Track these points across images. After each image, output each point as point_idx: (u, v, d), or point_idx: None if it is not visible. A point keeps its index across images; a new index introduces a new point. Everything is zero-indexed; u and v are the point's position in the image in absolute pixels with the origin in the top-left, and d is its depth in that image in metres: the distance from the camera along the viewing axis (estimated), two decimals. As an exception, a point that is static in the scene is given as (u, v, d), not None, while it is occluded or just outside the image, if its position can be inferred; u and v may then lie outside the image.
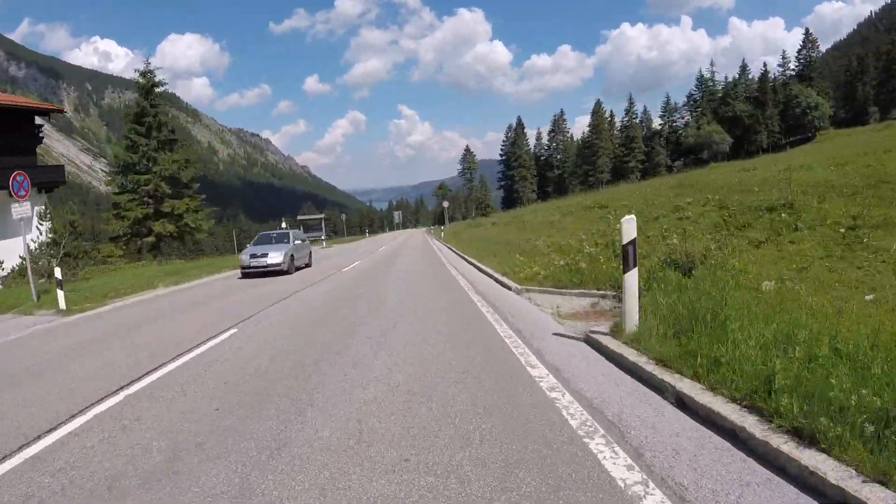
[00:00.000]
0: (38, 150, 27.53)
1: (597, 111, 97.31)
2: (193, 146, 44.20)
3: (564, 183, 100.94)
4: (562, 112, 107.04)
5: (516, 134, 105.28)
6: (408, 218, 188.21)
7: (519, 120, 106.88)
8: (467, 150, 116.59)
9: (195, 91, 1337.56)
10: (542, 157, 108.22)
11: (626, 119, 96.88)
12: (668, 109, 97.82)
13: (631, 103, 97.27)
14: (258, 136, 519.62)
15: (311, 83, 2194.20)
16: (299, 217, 64.10)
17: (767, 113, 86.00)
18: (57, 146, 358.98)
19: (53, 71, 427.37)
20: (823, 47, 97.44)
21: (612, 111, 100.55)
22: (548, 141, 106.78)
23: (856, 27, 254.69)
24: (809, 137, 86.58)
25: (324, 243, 48.14)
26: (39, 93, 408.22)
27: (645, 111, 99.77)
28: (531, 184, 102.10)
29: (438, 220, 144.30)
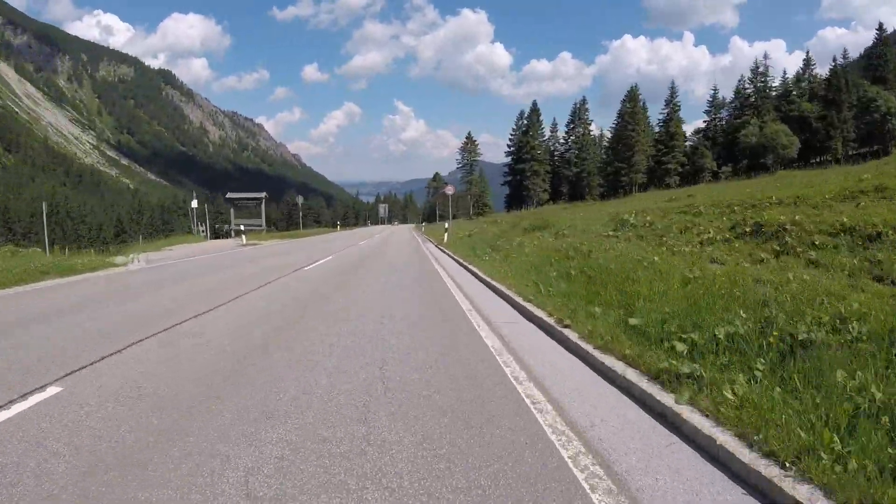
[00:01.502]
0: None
1: (632, 97, 76.85)
2: None
3: (582, 183, 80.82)
4: (584, 101, 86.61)
5: (530, 121, 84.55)
6: (395, 213, 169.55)
7: (534, 105, 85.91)
8: (469, 138, 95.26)
9: (194, 71, 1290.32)
10: (557, 154, 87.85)
11: (667, 112, 76.70)
12: (714, 105, 78.11)
13: (673, 93, 77.13)
14: (251, 120, 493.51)
15: (310, 71, 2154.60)
16: (229, 195, 43.28)
17: (842, 116, 67.04)
18: (46, 115, 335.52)
19: (49, 39, 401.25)
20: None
21: (644, 102, 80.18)
22: (565, 134, 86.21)
23: (862, 53, 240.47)
24: (881, 151, 68.15)
25: (243, 238, 27.57)
26: (34, 60, 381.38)
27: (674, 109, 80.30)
28: (544, 181, 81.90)
29: (429, 216, 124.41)
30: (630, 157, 72.22)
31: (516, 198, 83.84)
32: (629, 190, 70.43)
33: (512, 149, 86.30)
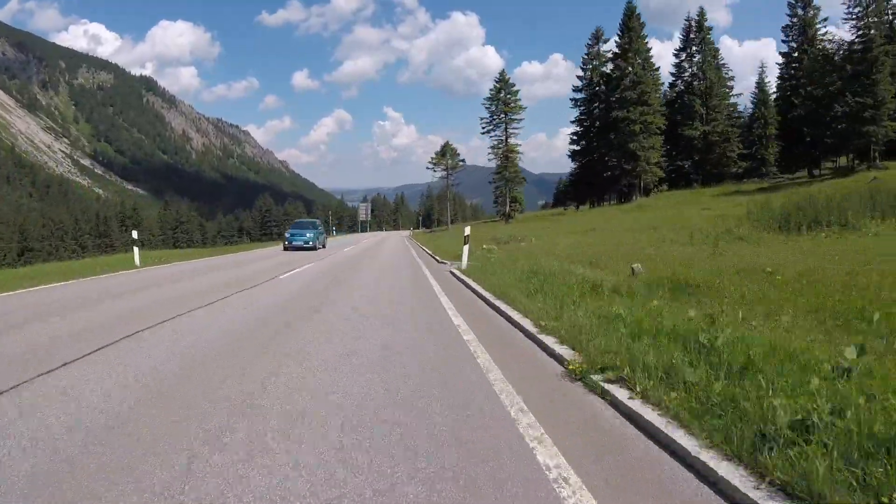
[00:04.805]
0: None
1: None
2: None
3: (713, 154, 40.30)
4: (702, 12, 46.50)
5: (628, 32, 43.53)
6: (385, 219, 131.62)
7: (630, 7, 46.23)
8: (502, 77, 53.40)
9: (183, 81, 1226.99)
10: (662, 98, 46.67)
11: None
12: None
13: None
14: (237, 127, 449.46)
15: (300, 78, 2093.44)
16: None
17: None
18: (17, 122, 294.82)
19: (26, 47, 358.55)
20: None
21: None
22: (674, 68, 44.99)
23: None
24: None
25: None
26: (8, 67, 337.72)
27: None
28: (656, 148, 41.42)
29: (424, 221, 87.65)
30: (874, 79, 31.12)
31: (595, 176, 42.71)
32: (875, 152, 30.54)
33: (585, 94, 44.88)
